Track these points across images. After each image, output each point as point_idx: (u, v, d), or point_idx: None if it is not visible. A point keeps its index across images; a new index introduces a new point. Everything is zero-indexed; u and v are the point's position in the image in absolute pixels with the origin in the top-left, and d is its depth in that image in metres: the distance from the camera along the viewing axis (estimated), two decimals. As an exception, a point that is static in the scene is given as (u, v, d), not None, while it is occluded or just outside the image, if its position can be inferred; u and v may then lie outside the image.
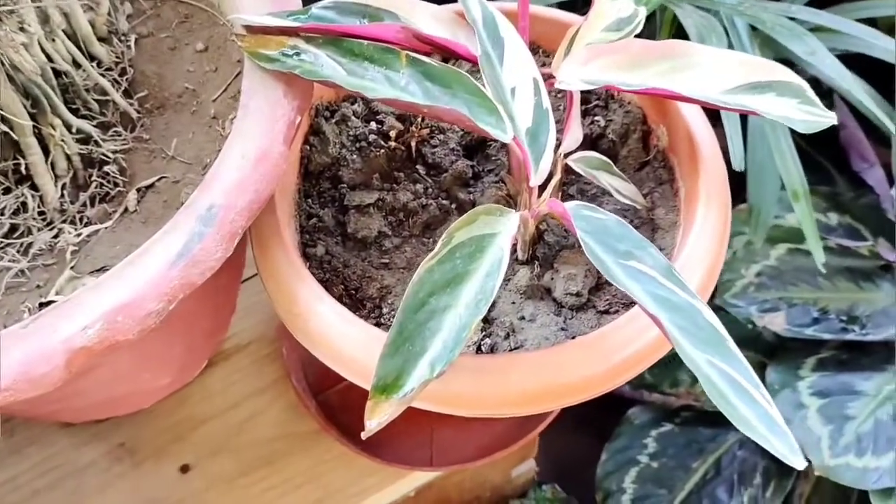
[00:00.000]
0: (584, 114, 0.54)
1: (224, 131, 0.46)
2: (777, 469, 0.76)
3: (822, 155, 0.92)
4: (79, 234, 0.44)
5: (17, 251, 0.45)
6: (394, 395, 0.38)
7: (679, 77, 0.43)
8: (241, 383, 0.65)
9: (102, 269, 0.42)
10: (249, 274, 0.62)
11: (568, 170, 0.48)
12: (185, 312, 0.46)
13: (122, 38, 0.52)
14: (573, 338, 0.44)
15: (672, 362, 0.87)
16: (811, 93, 0.44)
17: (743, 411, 0.33)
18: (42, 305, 0.41)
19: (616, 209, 0.50)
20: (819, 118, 0.44)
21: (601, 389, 0.40)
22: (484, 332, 0.45)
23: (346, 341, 0.42)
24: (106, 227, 0.45)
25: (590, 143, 0.53)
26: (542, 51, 0.55)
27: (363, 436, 0.38)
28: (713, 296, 0.79)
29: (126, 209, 0.46)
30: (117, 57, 0.51)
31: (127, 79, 0.51)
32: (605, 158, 0.47)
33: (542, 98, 0.44)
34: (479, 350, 0.44)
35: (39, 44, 0.45)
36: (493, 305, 0.47)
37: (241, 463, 0.62)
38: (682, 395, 0.81)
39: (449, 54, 0.45)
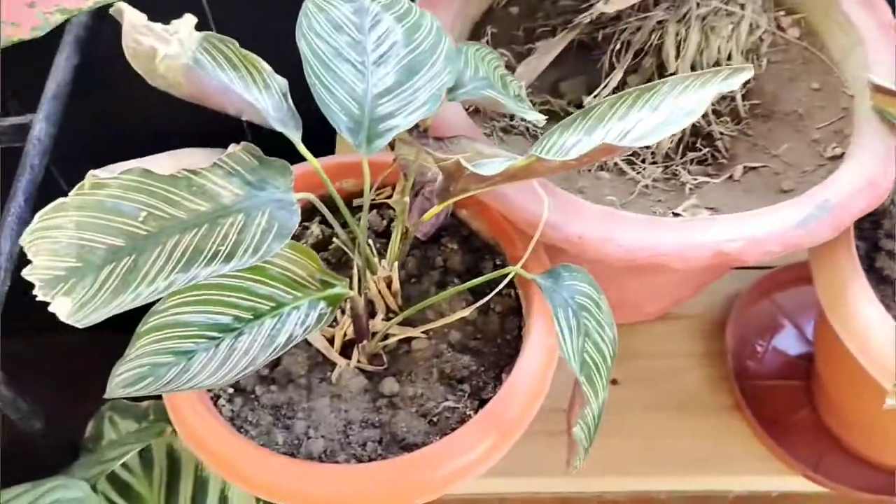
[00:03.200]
0: None
1: (824, 153, 0.60)
2: None
3: None
4: (695, 179, 0.60)
5: (637, 172, 0.62)
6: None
7: None
8: (678, 342, 0.79)
9: (712, 209, 0.58)
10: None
11: None
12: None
13: (757, 57, 0.67)
14: None
15: None
16: None
17: None
18: (674, 214, 0.57)
19: None
20: None
21: None
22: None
23: (880, 339, 0.53)
24: (713, 183, 0.60)
25: None
26: None
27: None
28: None
29: (731, 176, 0.61)
30: (748, 69, 0.67)
31: (748, 87, 0.66)
32: None
33: None
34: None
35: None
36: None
37: (658, 397, 0.76)
38: None
39: None
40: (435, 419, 0.54)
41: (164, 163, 0.41)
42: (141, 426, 0.62)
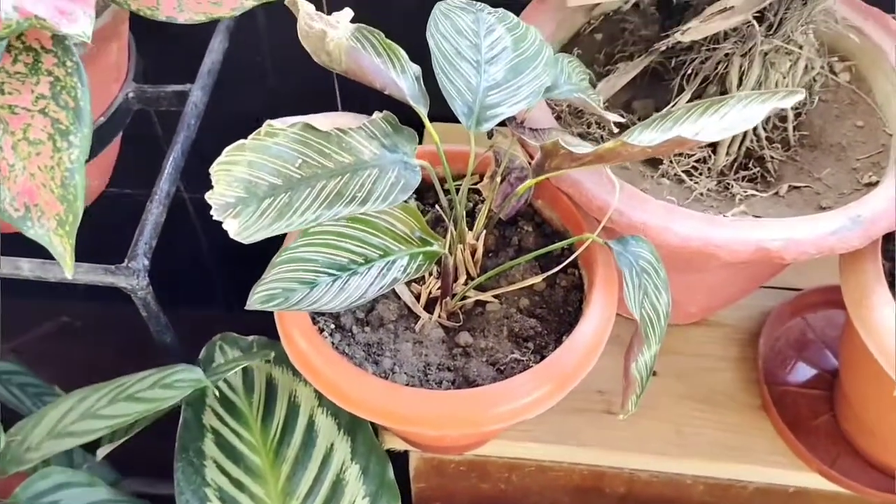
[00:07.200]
0: None
1: (861, 180, 0.69)
2: None
3: None
4: (745, 191, 0.70)
5: (694, 182, 0.71)
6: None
7: None
8: (713, 345, 0.88)
9: (757, 217, 0.67)
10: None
11: None
12: (755, 274, 0.69)
13: (810, 93, 0.76)
14: None
15: None
16: None
17: None
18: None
19: None
20: None
21: None
22: None
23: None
24: (760, 196, 0.70)
25: None
26: None
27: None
28: None
29: (777, 192, 0.70)
30: (799, 104, 0.76)
31: (799, 119, 0.75)
32: None
33: None
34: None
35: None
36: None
37: (691, 391, 0.84)
38: None
39: None
40: (502, 368, 0.63)
41: (321, 121, 0.51)
42: (245, 355, 0.72)
